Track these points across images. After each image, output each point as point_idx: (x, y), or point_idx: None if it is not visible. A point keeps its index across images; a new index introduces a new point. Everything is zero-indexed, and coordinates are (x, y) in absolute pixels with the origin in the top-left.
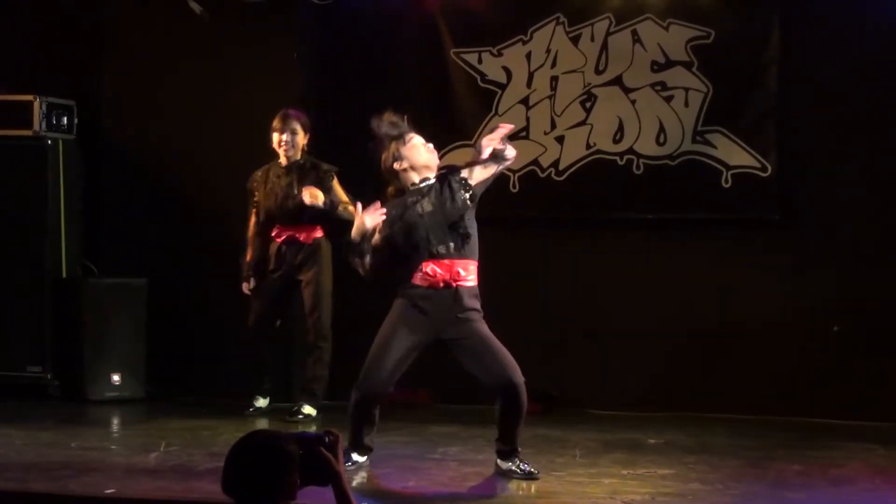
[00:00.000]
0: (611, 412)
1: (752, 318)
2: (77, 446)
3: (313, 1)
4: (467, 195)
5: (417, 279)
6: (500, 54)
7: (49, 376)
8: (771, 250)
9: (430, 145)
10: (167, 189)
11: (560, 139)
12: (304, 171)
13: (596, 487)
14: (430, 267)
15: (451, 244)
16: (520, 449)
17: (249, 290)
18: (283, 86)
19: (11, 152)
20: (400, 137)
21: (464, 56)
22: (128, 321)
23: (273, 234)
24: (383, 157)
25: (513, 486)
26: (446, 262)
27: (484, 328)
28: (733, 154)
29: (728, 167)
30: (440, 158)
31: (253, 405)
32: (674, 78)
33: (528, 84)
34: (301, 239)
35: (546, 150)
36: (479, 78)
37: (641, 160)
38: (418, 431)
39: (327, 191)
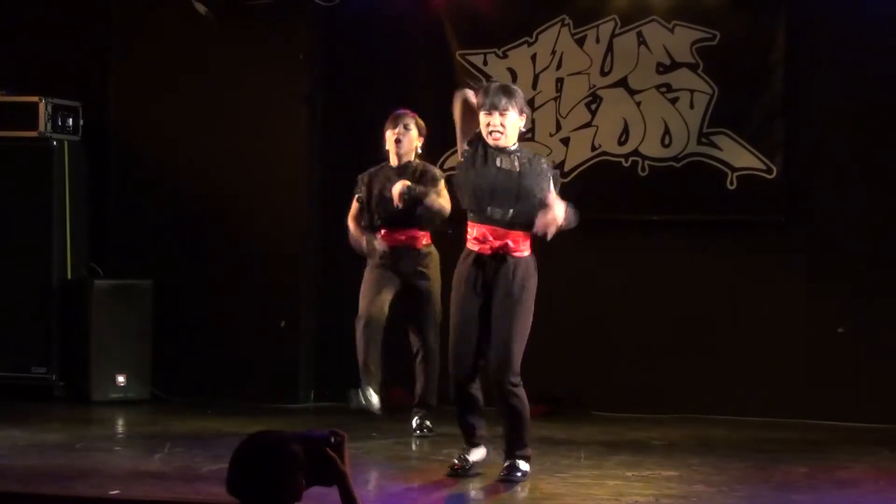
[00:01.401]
0: (615, 414)
1: (757, 320)
2: (82, 447)
3: (319, 2)
4: (546, 185)
5: (469, 243)
6: (505, 56)
7: (54, 377)
8: (776, 252)
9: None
10: (173, 190)
11: (565, 141)
12: (413, 175)
13: (600, 489)
14: (482, 231)
15: (511, 212)
16: (518, 452)
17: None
18: (289, 87)
19: (17, 153)
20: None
21: (469, 57)
22: (133, 323)
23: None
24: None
25: (517, 487)
26: (500, 229)
27: (520, 312)
28: (738, 156)
29: (733, 169)
30: (443, 161)
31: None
32: (679, 80)
33: (534, 86)
34: (410, 244)
35: (551, 151)
36: (484, 80)
37: (647, 162)
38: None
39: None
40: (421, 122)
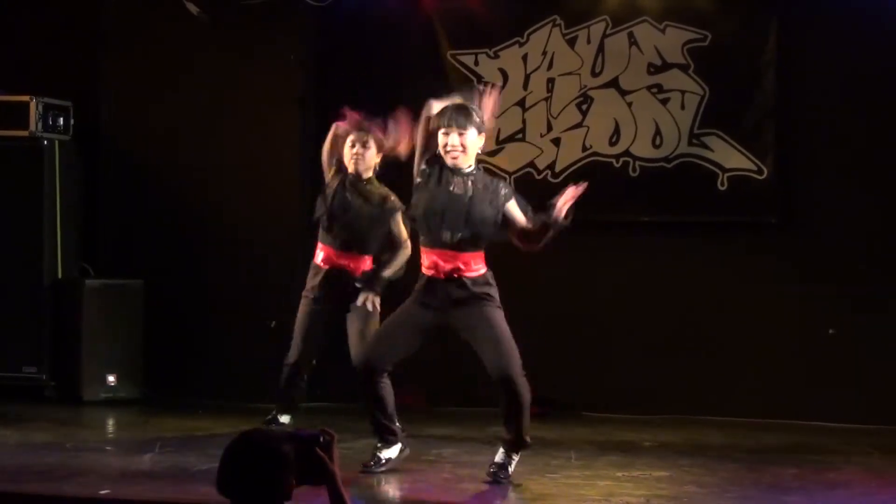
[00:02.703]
0: (606, 414)
1: (747, 321)
2: (72, 447)
3: (311, 3)
4: (501, 206)
5: (423, 268)
6: (496, 56)
7: (45, 377)
8: (766, 253)
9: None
10: (164, 190)
11: (556, 141)
12: (371, 200)
13: (591, 490)
14: (433, 257)
15: (459, 235)
16: (528, 439)
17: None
18: (281, 87)
19: (8, 153)
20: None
21: (460, 58)
22: (124, 322)
23: (318, 260)
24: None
25: (507, 487)
26: (450, 253)
27: (493, 314)
28: (729, 156)
29: (724, 170)
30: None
31: (276, 419)
32: (670, 80)
33: (525, 86)
34: (350, 268)
35: (542, 152)
36: (475, 80)
37: (637, 162)
38: (413, 433)
39: (388, 223)
40: (380, 137)
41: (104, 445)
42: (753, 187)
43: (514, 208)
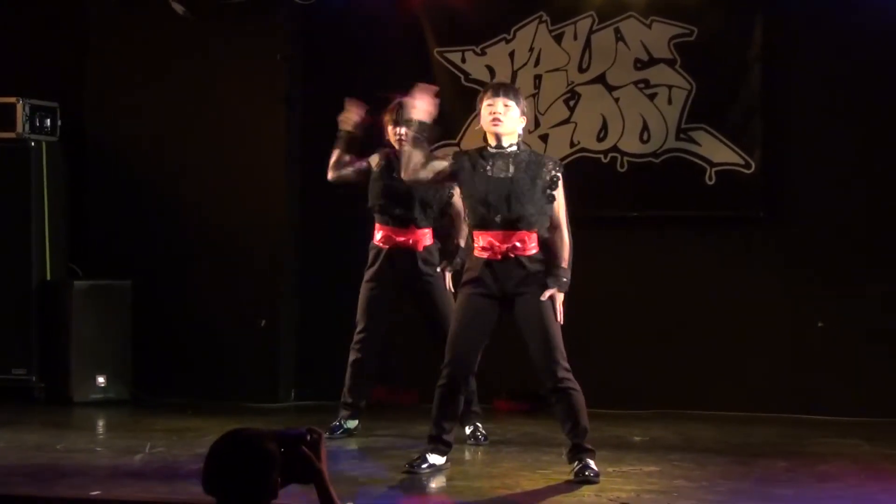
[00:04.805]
0: (596, 410)
1: (736, 315)
2: (62, 448)
3: (297, 1)
4: (551, 192)
5: (476, 251)
6: (483, 53)
7: (34, 378)
8: (755, 247)
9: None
10: (151, 191)
11: (544, 137)
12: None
13: (581, 485)
14: (487, 238)
15: (509, 216)
16: (588, 447)
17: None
18: (267, 86)
19: None
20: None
21: (447, 55)
22: (112, 323)
23: (377, 240)
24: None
25: (498, 483)
26: (503, 232)
27: (546, 304)
28: (717, 151)
29: (712, 164)
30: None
31: (342, 426)
32: (657, 76)
33: (512, 83)
34: (409, 245)
35: (530, 148)
36: (462, 77)
37: (625, 158)
38: (405, 431)
39: (442, 191)
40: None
41: (94, 446)
42: (741, 182)
43: (554, 202)
